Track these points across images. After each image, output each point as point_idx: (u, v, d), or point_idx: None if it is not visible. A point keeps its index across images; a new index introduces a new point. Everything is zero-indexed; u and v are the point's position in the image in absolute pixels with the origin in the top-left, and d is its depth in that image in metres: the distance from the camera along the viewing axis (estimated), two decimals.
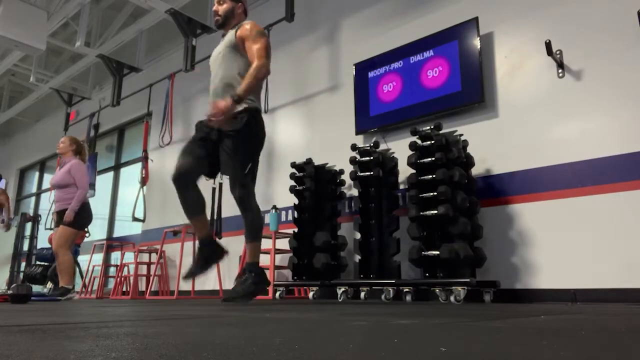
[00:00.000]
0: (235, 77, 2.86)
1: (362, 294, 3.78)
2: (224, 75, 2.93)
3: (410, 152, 3.65)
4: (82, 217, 4.56)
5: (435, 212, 3.36)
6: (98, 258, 6.91)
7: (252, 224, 2.90)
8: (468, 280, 3.15)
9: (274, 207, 4.76)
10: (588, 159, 3.38)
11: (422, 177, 3.52)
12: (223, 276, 5.48)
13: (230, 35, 2.99)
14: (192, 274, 3.01)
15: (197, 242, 3.07)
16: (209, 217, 5.50)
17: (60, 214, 4.52)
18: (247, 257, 2.93)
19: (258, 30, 2.93)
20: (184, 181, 2.84)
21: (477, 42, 3.97)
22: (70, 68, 7.60)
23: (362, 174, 3.98)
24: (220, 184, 5.47)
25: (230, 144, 2.82)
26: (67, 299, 4.27)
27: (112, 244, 7.41)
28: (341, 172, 4.45)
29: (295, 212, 4.44)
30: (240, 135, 2.80)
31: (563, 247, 3.38)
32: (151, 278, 6.01)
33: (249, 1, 6.44)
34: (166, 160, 7.02)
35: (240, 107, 2.79)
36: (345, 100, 4.89)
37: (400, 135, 4.36)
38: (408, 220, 3.54)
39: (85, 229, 5.06)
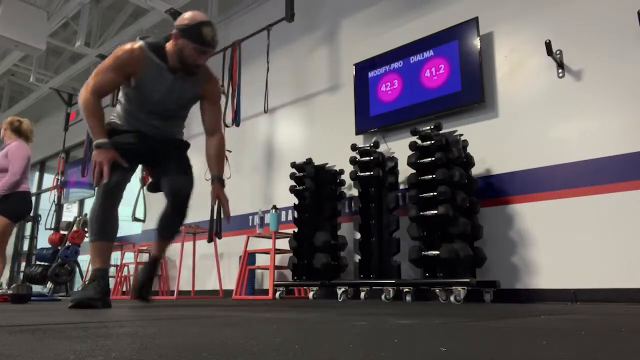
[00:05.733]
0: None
1: (362, 294, 3.78)
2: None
3: (410, 152, 3.65)
4: (19, 204, 3.96)
5: (435, 212, 3.36)
6: None
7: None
8: (468, 280, 3.15)
9: (274, 207, 4.76)
10: (588, 159, 3.38)
11: (422, 177, 3.52)
12: (223, 276, 5.48)
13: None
14: None
15: None
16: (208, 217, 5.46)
17: None
18: None
19: None
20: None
21: (477, 42, 3.97)
22: (70, 68, 7.60)
23: (362, 174, 3.99)
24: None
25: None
26: None
27: None
28: (341, 172, 4.45)
29: (295, 212, 4.44)
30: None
31: (563, 247, 3.38)
32: None
33: (249, 1, 6.47)
34: None
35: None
36: (345, 100, 4.89)
37: (400, 135, 4.36)
38: (408, 220, 3.54)
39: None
